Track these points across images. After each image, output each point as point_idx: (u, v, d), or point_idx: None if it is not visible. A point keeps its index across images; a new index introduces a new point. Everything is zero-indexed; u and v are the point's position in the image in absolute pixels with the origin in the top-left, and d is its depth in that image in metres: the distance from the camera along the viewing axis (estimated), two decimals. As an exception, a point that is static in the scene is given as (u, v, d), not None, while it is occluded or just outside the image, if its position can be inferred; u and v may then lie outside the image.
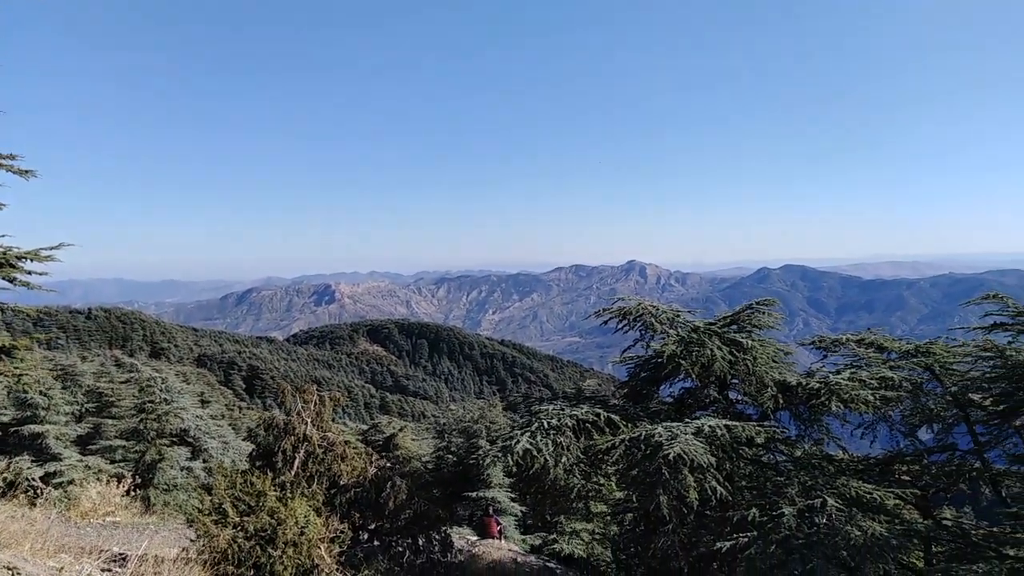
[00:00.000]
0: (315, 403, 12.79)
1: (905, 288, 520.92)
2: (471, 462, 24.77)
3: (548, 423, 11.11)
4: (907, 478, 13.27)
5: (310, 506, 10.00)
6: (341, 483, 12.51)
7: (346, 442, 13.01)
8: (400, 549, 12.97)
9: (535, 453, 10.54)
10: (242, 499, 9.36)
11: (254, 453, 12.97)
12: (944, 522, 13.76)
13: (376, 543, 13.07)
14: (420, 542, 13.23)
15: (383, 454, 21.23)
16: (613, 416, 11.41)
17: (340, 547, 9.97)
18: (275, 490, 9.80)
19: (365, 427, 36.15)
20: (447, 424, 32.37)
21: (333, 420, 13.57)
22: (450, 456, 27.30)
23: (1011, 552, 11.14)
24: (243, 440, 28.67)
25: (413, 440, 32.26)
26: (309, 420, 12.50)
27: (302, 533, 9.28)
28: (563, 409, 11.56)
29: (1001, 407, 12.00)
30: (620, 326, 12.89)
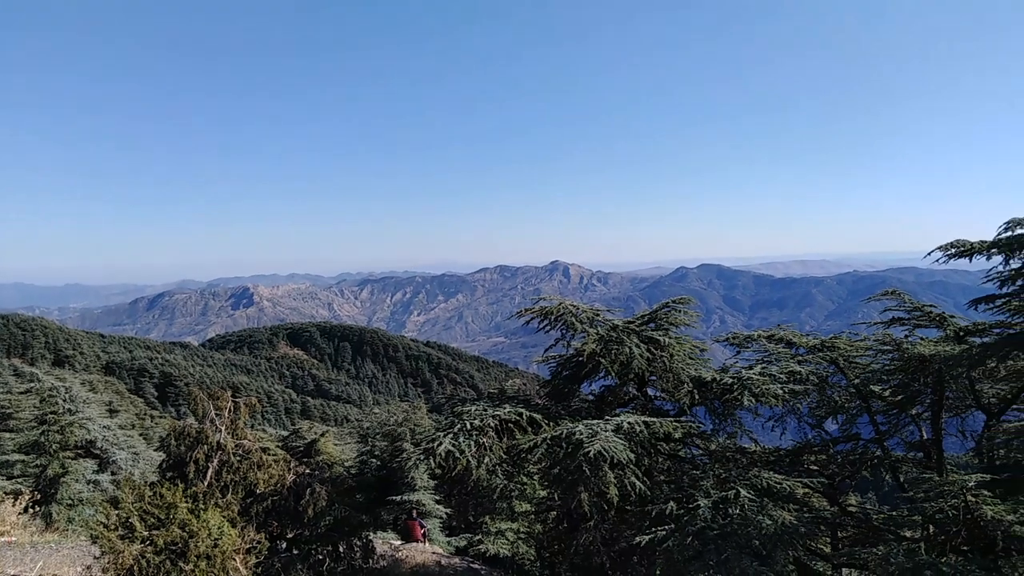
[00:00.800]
0: (230, 410, 12.38)
1: (813, 286, 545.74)
2: (395, 465, 24.49)
3: (471, 424, 11.08)
4: (815, 467, 13.89)
5: (224, 517, 9.66)
6: (258, 492, 12.14)
7: (263, 449, 12.65)
8: (320, 557, 12.70)
9: (457, 454, 10.50)
10: (151, 512, 8.95)
11: (165, 464, 12.44)
12: (849, 508, 14.48)
13: (295, 552, 12.75)
14: (341, 549, 12.99)
15: (304, 460, 20.75)
16: (535, 415, 11.48)
17: (257, 558, 9.67)
18: (187, 502, 9.41)
19: (285, 433, 35.25)
20: (371, 428, 31.88)
21: (251, 427, 13.17)
22: (374, 460, 26.90)
23: (908, 534, 11.82)
24: (155, 450, 27.47)
25: (336, 445, 31.65)
26: (223, 428, 12.08)
27: (215, 545, 8.95)
28: (486, 409, 11.56)
29: (899, 397, 12.71)
30: (542, 326, 13.00)
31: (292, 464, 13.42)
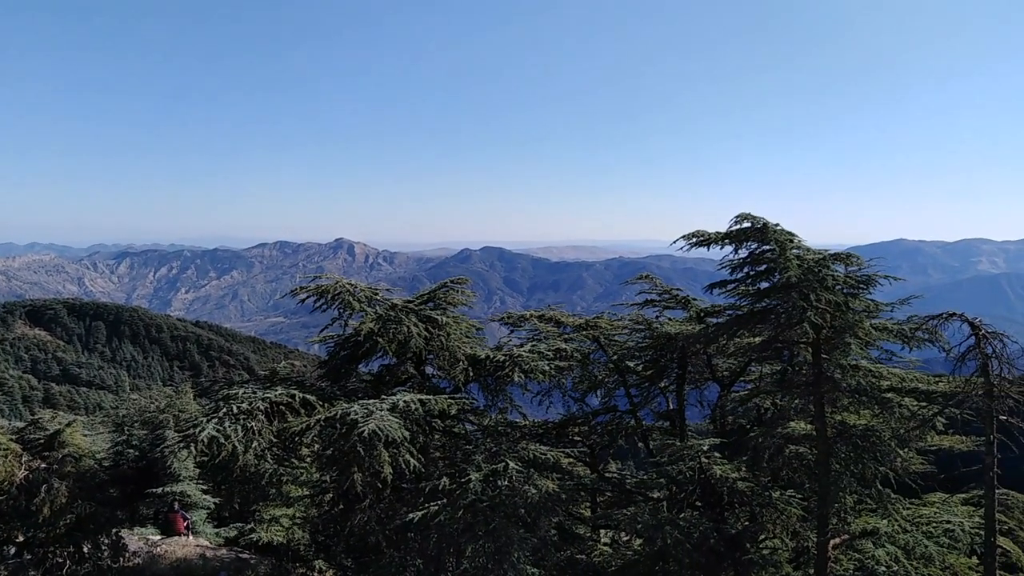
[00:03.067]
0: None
1: (584, 269, 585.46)
2: (156, 455, 22.52)
3: (238, 407, 10.50)
4: (578, 438, 15.01)
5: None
6: (-24, 492, 10.55)
7: (-15, 444, 10.99)
8: (59, 560, 11.35)
9: (222, 440, 9.89)
10: None
11: None
12: (608, 475, 15.82)
13: (28, 556, 11.28)
14: (85, 549, 11.70)
15: (43, 455, 18.37)
16: (309, 397, 11.15)
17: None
18: None
19: (21, 424, 30.90)
20: (128, 415, 28.95)
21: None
22: (131, 451, 24.50)
23: (656, 495, 13.15)
24: None
25: (85, 436, 28.32)
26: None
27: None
28: (255, 392, 11.01)
29: (650, 372, 14.08)
30: (318, 305, 12.61)
31: (24, 459, 11.82)
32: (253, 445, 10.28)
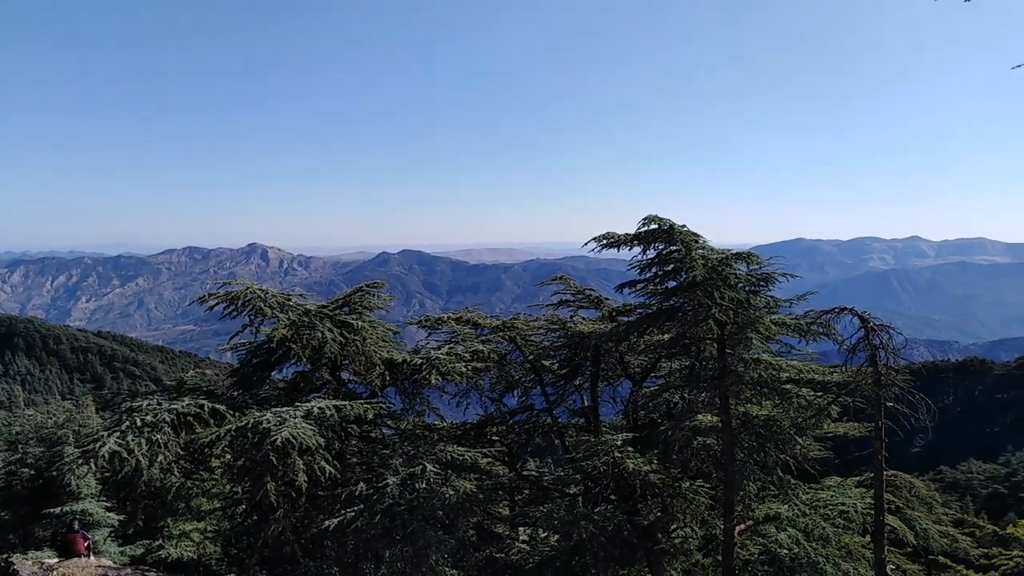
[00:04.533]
0: None
1: (503, 271, 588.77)
2: (54, 474, 21.32)
3: (142, 420, 10.09)
4: (496, 438, 15.14)
5: None
6: None
7: None
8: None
9: (125, 454, 9.50)
10: None
11: None
12: (526, 473, 16.03)
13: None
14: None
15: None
16: (219, 406, 10.84)
17: None
18: None
19: None
20: (23, 433, 27.28)
21: None
22: (26, 470, 23.10)
23: (572, 490, 13.43)
24: None
25: (-29, 457, 26.54)
26: None
27: None
28: (160, 404, 10.61)
29: (565, 370, 14.36)
30: (228, 311, 12.28)
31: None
32: (159, 458, 9.92)
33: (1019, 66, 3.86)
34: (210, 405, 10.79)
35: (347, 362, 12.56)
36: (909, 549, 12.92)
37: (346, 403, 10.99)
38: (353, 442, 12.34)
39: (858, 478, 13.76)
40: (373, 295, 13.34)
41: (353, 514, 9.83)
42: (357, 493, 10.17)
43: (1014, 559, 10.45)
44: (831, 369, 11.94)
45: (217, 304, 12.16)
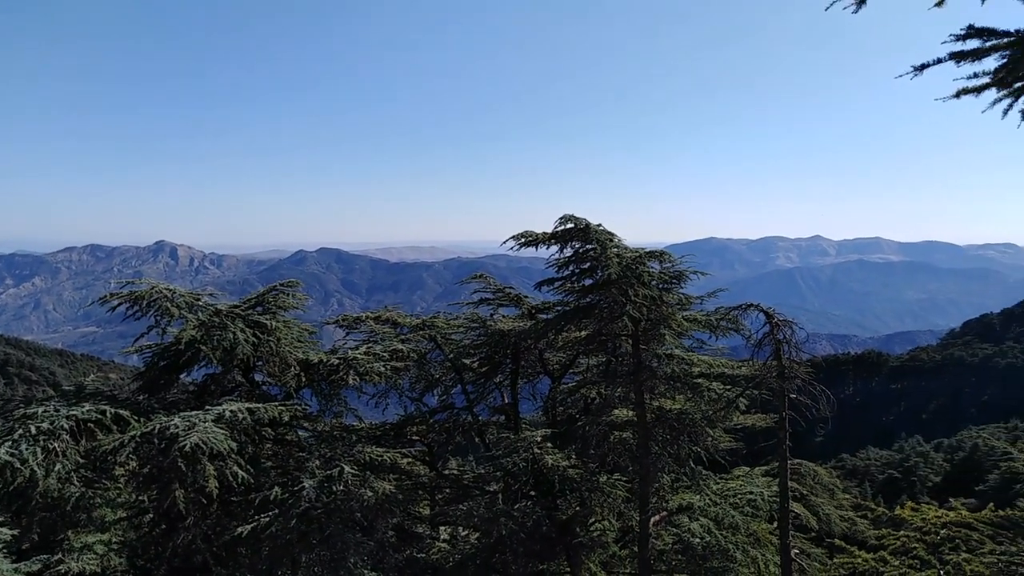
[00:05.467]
0: None
1: (424, 270, 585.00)
2: (-64, 489, 19.85)
3: (37, 428, 9.54)
4: (417, 437, 15.05)
5: None
6: None
7: None
8: None
9: (18, 464, 8.96)
10: None
11: None
12: (448, 472, 15.98)
13: None
14: None
15: None
16: (122, 412, 10.35)
17: None
18: None
19: None
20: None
21: None
22: (-97, 486, 21.42)
23: (492, 488, 13.50)
24: None
25: None
26: None
27: None
28: (58, 410, 10.05)
29: (485, 368, 14.41)
30: (132, 312, 11.74)
31: None
32: (56, 468, 9.39)
33: (902, 76, 4.13)
34: (113, 410, 10.29)
35: (261, 363, 12.21)
36: (813, 534, 13.58)
37: (260, 406, 10.69)
38: (268, 445, 12.02)
39: (765, 467, 14.41)
40: (288, 294, 13.01)
41: (268, 519, 9.58)
42: (272, 498, 9.91)
43: (900, 539, 11.23)
44: (739, 363, 12.42)
45: (120, 304, 11.60)
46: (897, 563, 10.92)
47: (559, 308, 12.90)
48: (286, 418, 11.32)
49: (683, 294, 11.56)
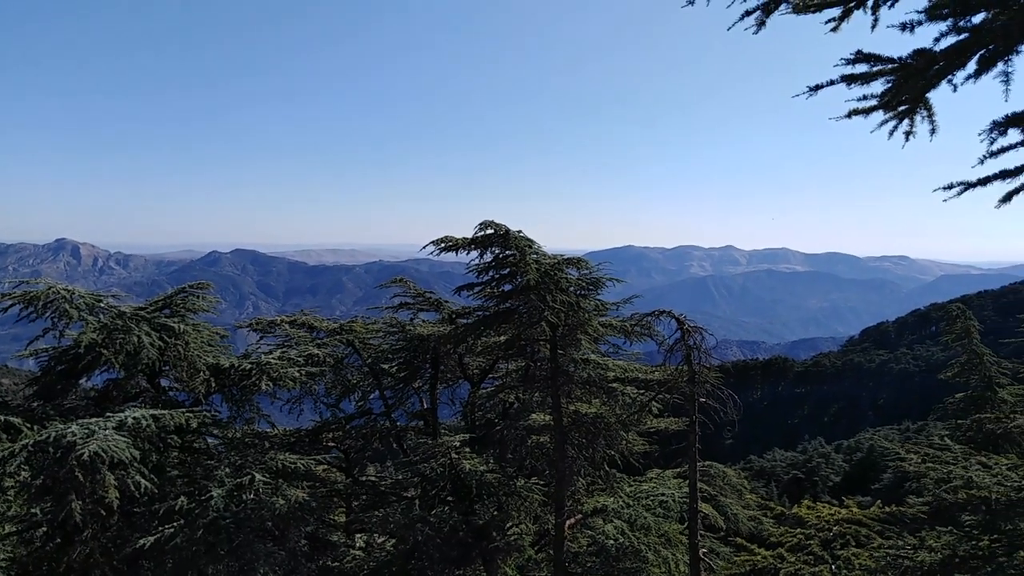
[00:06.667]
0: None
1: (344, 273, 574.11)
2: None
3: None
4: (333, 444, 14.77)
5: None
6: None
7: None
8: None
9: None
10: None
11: None
12: (365, 479, 15.75)
13: None
14: None
15: None
16: (13, 419, 9.75)
17: None
18: None
19: None
20: None
21: None
22: None
23: (409, 494, 13.40)
24: None
25: None
26: None
27: None
28: (-61, 419, 9.39)
29: (404, 373, 14.30)
30: (27, 314, 11.08)
31: None
32: (-64, 481, 8.77)
33: (798, 95, 4.38)
34: (3, 418, 9.69)
35: (167, 368, 11.73)
36: (722, 532, 14.07)
37: (166, 412, 10.25)
38: (174, 454, 11.55)
39: (677, 470, 14.83)
40: (198, 296, 12.55)
41: (172, 530, 9.20)
42: (177, 508, 9.53)
43: (797, 536, 11.81)
44: (653, 368, 12.77)
45: (12, 305, 10.93)
46: (793, 559, 11.48)
47: (479, 313, 12.93)
48: (194, 425, 10.89)
49: (600, 300, 11.79)
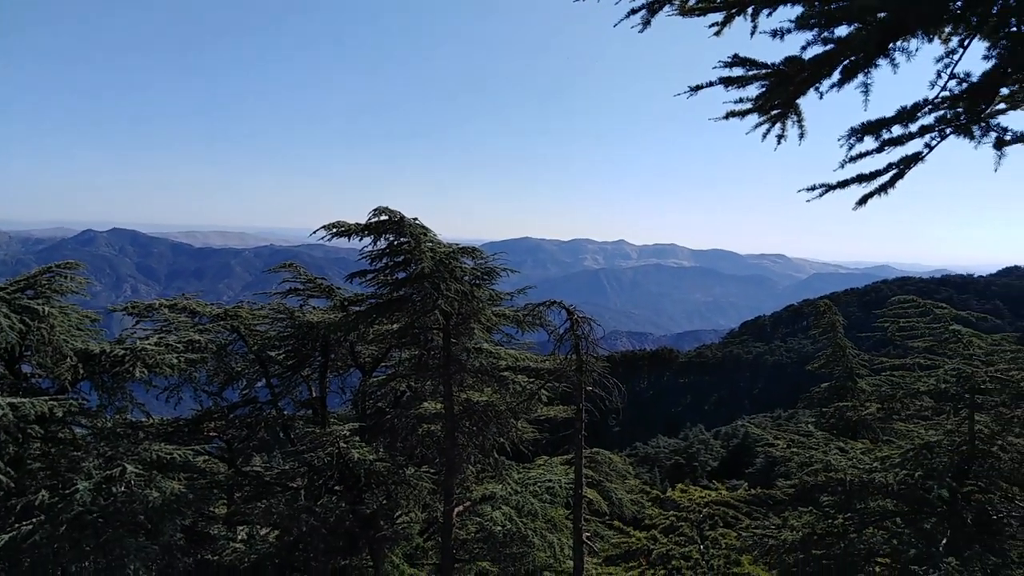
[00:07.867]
0: None
1: (232, 257, 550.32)
2: None
3: None
4: (215, 434, 14.17)
5: None
6: None
7: None
8: None
9: None
10: None
11: None
12: (249, 469, 15.20)
13: None
14: None
15: None
16: None
17: None
18: None
19: None
20: None
21: None
22: None
23: (295, 484, 13.07)
24: None
25: None
26: None
27: None
28: None
29: (292, 361, 13.89)
30: None
31: None
32: None
33: (679, 95, 4.56)
34: None
35: (29, 354, 10.89)
36: (607, 516, 14.54)
37: (26, 400, 9.51)
38: (36, 445, 10.75)
39: (565, 456, 15.20)
40: (67, 276, 11.69)
41: (31, 527, 8.57)
42: (38, 502, 8.88)
43: (669, 518, 12.43)
44: (543, 358, 12.99)
45: None
46: (666, 540, 12.07)
47: (372, 300, 12.72)
48: (59, 414, 10.17)
49: (494, 290, 11.86)
